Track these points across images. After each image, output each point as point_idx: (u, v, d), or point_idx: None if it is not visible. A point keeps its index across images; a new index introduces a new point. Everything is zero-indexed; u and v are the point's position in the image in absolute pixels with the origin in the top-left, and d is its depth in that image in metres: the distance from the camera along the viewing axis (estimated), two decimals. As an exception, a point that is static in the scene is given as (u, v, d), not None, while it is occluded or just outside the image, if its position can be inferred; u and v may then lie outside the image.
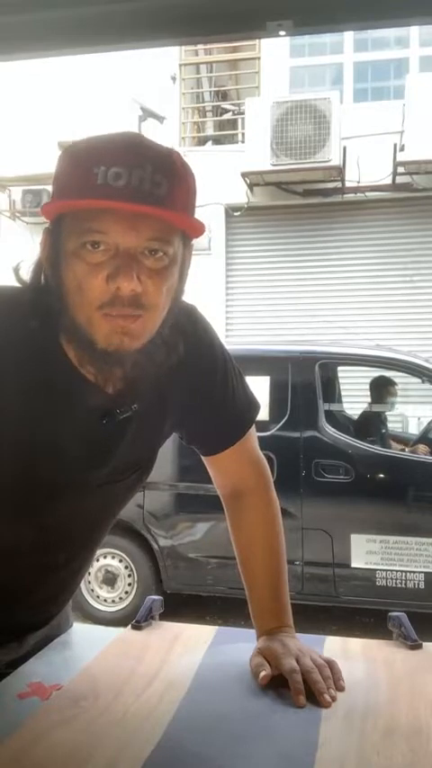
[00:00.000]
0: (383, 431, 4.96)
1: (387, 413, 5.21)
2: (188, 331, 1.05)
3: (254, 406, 1.22)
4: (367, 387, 5.30)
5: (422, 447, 4.54)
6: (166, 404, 1.07)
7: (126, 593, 4.50)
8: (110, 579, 4.50)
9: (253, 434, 1.21)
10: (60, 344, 0.95)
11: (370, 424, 5.01)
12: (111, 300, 0.87)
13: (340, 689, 0.99)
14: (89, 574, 4.52)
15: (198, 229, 0.92)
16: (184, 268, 0.95)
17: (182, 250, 0.92)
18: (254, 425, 1.21)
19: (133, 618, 1.24)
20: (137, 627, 1.21)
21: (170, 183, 0.87)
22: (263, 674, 1.01)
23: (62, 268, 0.89)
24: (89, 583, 4.54)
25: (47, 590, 1.11)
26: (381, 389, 5.19)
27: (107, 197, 0.84)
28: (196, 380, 1.09)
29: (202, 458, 1.23)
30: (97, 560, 4.52)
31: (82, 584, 4.50)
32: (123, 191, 0.84)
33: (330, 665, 1.03)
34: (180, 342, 0.99)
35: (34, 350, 0.94)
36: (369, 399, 5.38)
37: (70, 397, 0.97)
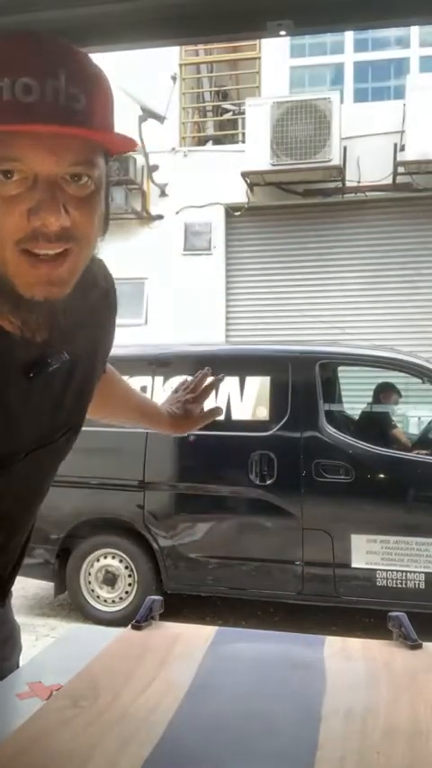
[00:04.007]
0: (390, 431, 4.98)
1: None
2: (101, 276, 0.99)
3: None
4: (367, 386, 5.30)
5: None
6: (95, 353, 1.01)
7: (126, 593, 4.50)
8: (110, 579, 4.50)
9: None
10: None
11: (375, 425, 5.02)
12: (32, 235, 0.74)
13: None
14: (89, 574, 4.52)
15: (125, 145, 0.79)
16: (108, 192, 0.83)
17: (105, 172, 0.80)
18: None
19: (133, 618, 1.23)
20: (137, 627, 1.21)
21: (89, 95, 0.74)
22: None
23: None
24: (89, 583, 4.54)
25: None
26: (386, 396, 5.23)
27: (18, 118, 0.71)
28: (110, 329, 1.07)
29: None
30: (97, 560, 4.53)
31: (82, 584, 4.53)
32: (35, 108, 0.71)
33: None
34: (104, 276, 0.95)
35: None
36: (369, 400, 5.39)
37: None
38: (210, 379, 1.42)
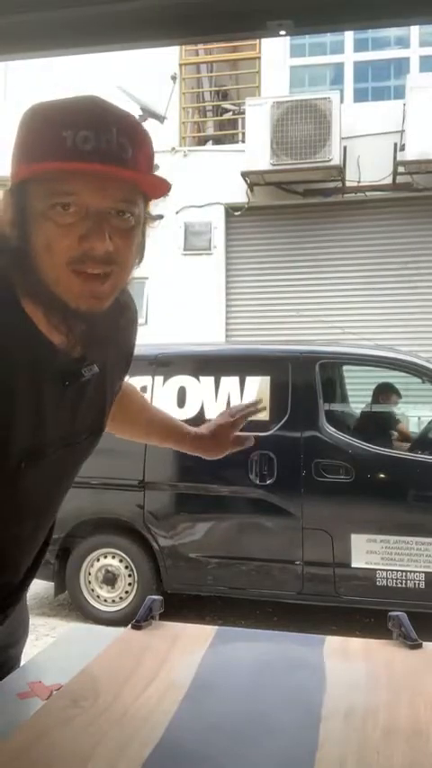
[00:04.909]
0: (395, 425, 5.00)
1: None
2: (129, 301, 1.15)
3: None
4: (367, 386, 5.31)
5: None
6: (119, 366, 1.16)
7: (126, 593, 4.50)
8: (110, 579, 4.50)
9: None
10: (22, 308, 0.94)
11: (378, 422, 5.03)
12: (81, 257, 0.88)
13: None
14: (89, 574, 4.52)
15: (161, 188, 0.94)
16: (145, 228, 0.98)
17: (144, 211, 0.95)
18: None
19: (133, 618, 1.23)
20: (137, 627, 1.21)
21: (134, 146, 0.90)
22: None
23: (29, 229, 0.90)
24: (89, 583, 4.54)
25: (14, 560, 1.11)
26: (385, 398, 5.25)
27: (78, 160, 0.86)
28: (130, 350, 1.22)
29: None
30: (97, 560, 4.53)
31: (83, 584, 4.53)
32: (93, 154, 0.87)
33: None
34: (131, 301, 1.10)
35: None
36: (369, 400, 5.40)
37: (33, 362, 0.97)
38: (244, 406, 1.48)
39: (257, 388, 4.30)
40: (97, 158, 0.86)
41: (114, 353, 1.12)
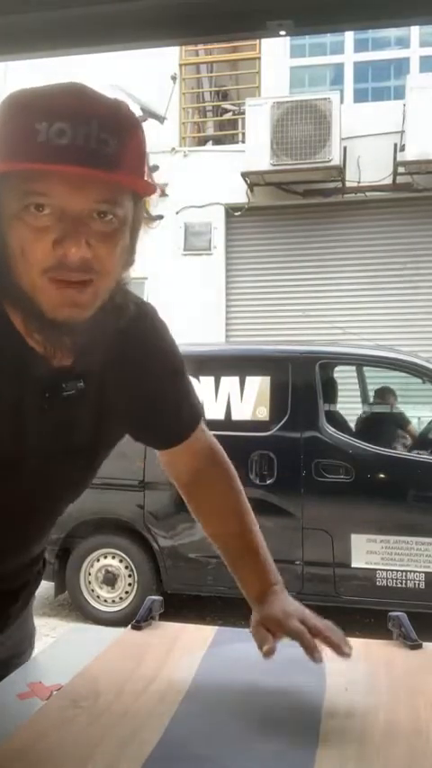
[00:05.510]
0: (406, 427, 5.02)
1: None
2: (146, 325, 1.05)
3: (201, 406, 1.20)
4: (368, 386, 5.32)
5: None
6: (114, 393, 1.01)
7: (126, 593, 4.50)
8: (110, 579, 4.50)
9: (203, 427, 1.18)
10: (4, 311, 0.89)
11: (386, 423, 5.05)
12: (57, 264, 0.82)
13: (348, 652, 0.98)
14: (89, 574, 4.52)
15: (146, 189, 0.87)
16: (136, 228, 0.90)
17: (132, 210, 0.87)
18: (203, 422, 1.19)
19: (133, 618, 1.23)
20: (137, 627, 1.21)
21: (118, 141, 0.82)
22: (266, 647, 0.97)
23: (4, 230, 0.83)
24: (89, 583, 4.54)
25: None
26: (383, 400, 5.28)
27: (50, 158, 0.78)
28: (150, 376, 1.06)
29: (157, 452, 1.21)
30: (97, 560, 4.53)
31: (83, 584, 4.53)
32: (67, 150, 0.79)
33: (332, 628, 1.02)
34: (131, 303, 0.97)
35: None
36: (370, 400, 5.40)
37: (13, 368, 0.91)
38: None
39: (257, 388, 4.30)
40: (72, 156, 0.79)
41: (118, 367, 1.01)
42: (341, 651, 0.97)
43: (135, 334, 1.02)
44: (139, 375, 1.04)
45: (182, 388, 1.13)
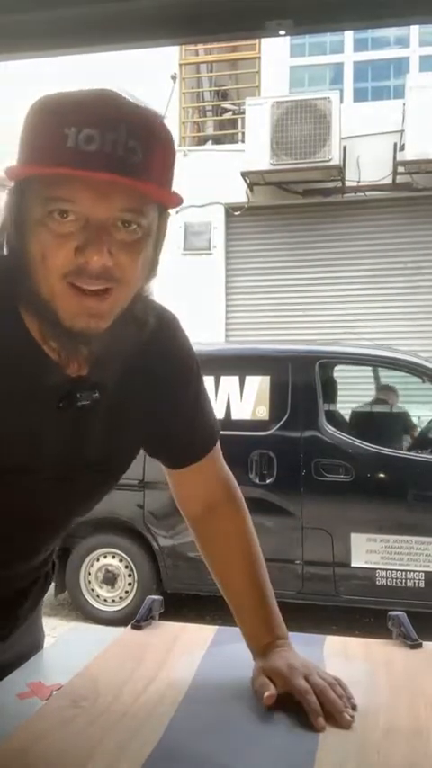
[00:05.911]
0: (411, 430, 5.01)
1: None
2: (167, 337, 1.03)
3: (218, 426, 1.15)
4: (368, 386, 5.31)
5: None
6: (130, 406, 1.00)
7: (126, 592, 4.50)
8: (110, 579, 4.50)
9: (219, 452, 1.14)
10: (21, 317, 0.88)
11: (391, 424, 5.04)
12: (77, 270, 0.81)
13: (354, 708, 0.93)
14: (89, 573, 4.52)
15: (172, 200, 0.87)
16: (160, 240, 0.89)
17: (157, 221, 0.86)
18: (218, 446, 1.14)
19: (133, 618, 1.23)
20: (137, 627, 1.21)
21: (146, 149, 0.81)
22: (267, 693, 0.93)
23: (27, 235, 0.83)
24: (89, 583, 4.54)
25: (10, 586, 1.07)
26: (385, 396, 5.27)
27: (77, 164, 0.78)
28: (168, 390, 1.03)
29: (167, 474, 1.15)
30: (97, 560, 4.53)
31: (83, 584, 4.52)
32: (95, 157, 0.78)
33: (339, 682, 0.97)
34: (152, 316, 0.95)
35: None
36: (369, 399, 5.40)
37: (29, 374, 0.90)
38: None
39: (257, 387, 4.30)
40: (100, 163, 0.78)
41: (136, 380, 0.98)
42: (338, 724, 0.89)
43: (155, 346, 0.99)
44: (157, 389, 1.02)
45: (200, 406, 1.10)
